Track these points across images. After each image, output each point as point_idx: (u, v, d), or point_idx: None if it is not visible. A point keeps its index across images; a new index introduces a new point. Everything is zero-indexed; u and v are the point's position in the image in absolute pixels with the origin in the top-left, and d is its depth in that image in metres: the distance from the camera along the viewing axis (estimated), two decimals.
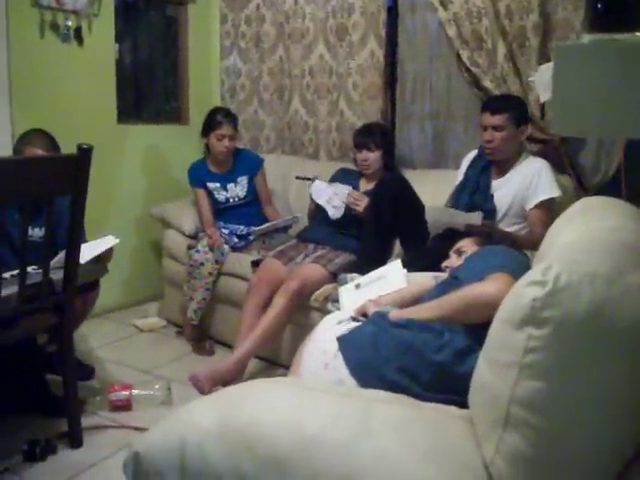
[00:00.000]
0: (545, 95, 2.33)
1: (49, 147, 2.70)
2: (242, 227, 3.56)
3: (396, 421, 1.27)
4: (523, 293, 1.09)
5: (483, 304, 1.67)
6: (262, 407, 1.32)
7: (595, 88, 1.03)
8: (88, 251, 2.49)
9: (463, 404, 1.38)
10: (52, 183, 2.20)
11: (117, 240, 2.67)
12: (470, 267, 1.96)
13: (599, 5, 1.03)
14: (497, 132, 2.85)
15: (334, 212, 3.22)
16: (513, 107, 2.88)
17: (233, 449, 1.24)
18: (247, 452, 1.23)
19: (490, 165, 2.97)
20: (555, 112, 1.12)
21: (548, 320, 1.04)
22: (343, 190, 3.23)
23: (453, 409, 1.39)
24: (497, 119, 2.84)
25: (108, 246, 2.62)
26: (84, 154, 2.22)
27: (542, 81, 2.11)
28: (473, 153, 3.12)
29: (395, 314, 1.90)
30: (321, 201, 3.25)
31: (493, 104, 2.92)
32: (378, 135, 3.32)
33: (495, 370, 1.16)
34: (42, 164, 2.28)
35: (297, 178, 3.58)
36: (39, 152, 2.66)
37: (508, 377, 1.10)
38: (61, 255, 2.35)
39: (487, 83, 3.28)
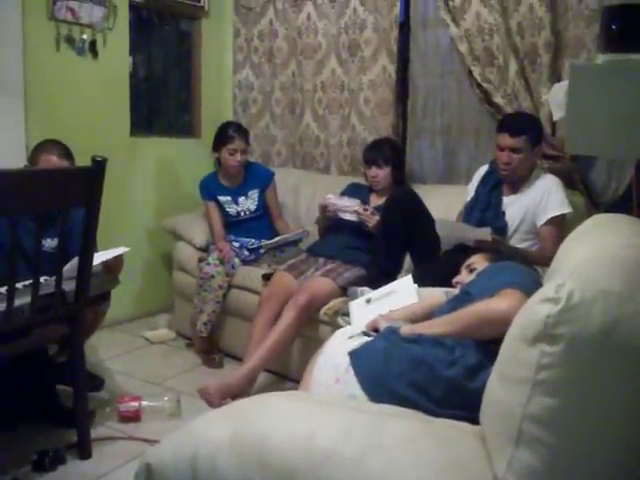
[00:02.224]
0: (558, 113, 2.33)
1: (63, 155, 2.72)
2: (253, 240, 3.57)
3: (407, 436, 1.27)
4: (536, 310, 1.09)
5: (495, 320, 1.67)
6: (274, 421, 1.32)
7: (608, 108, 1.04)
8: (98, 258, 2.50)
9: (474, 420, 1.38)
10: (66, 195, 2.22)
11: (127, 249, 2.68)
12: (482, 283, 1.96)
13: (613, 26, 1.04)
14: (515, 154, 2.83)
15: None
16: (531, 128, 2.86)
17: (245, 462, 1.24)
18: (259, 465, 1.23)
19: (501, 182, 2.97)
20: (568, 131, 1.12)
21: (561, 337, 1.04)
22: (351, 205, 3.22)
23: (464, 425, 1.39)
24: (516, 142, 2.82)
25: (117, 253, 2.63)
26: (98, 166, 2.24)
27: (555, 100, 2.12)
28: (484, 168, 3.12)
29: (406, 329, 1.90)
30: (347, 216, 3.24)
31: (512, 126, 2.86)
32: (387, 151, 3.33)
33: (508, 386, 1.17)
34: (56, 176, 2.30)
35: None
36: (54, 158, 2.68)
37: (521, 393, 1.10)
38: (73, 262, 2.36)
39: (498, 99, 3.29)
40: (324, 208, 3.31)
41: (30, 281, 2.15)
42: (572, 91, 1.04)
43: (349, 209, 3.21)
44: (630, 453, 1.10)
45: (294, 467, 1.21)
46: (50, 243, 2.69)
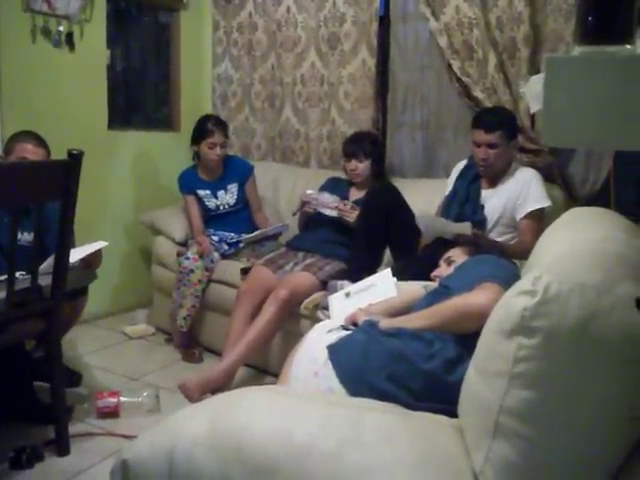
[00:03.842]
0: (535, 106, 2.34)
1: (38, 144, 2.70)
2: (232, 234, 3.56)
3: (385, 430, 1.27)
4: (513, 303, 1.09)
5: (473, 314, 1.67)
6: (252, 415, 1.31)
7: (585, 100, 1.04)
8: (76, 253, 2.48)
9: (453, 413, 1.38)
10: (42, 188, 2.19)
11: (106, 243, 2.66)
12: (460, 277, 1.97)
13: (590, 17, 1.04)
14: (491, 149, 2.84)
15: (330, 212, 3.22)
16: (506, 123, 2.87)
17: (222, 457, 1.23)
18: (236, 460, 1.22)
19: (480, 176, 2.98)
20: (545, 123, 1.12)
21: (538, 330, 1.05)
22: (331, 201, 3.22)
23: (443, 418, 1.39)
24: (491, 137, 2.82)
25: (96, 248, 2.60)
26: (74, 159, 2.21)
27: (532, 92, 2.12)
28: (462, 163, 3.12)
29: (385, 323, 1.90)
30: (327, 211, 3.23)
31: (486, 122, 2.86)
32: (367, 144, 3.33)
33: (485, 379, 1.17)
34: (32, 169, 2.27)
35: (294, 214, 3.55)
36: (29, 147, 2.67)
37: (498, 386, 1.10)
38: (49, 261, 2.34)
39: (478, 93, 3.30)
40: (304, 204, 3.30)
41: (5, 276, 2.12)
42: (548, 83, 1.04)
43: (329, 205, 3.20)
44: (607, 446, 1.11)
45: (273, 462, 1.21)
46: (26, 237, 2.66)
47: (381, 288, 2.41)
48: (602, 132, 1.04)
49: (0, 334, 2.17)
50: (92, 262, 2.66)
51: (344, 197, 3.30)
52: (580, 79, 1.03)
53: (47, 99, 3.47)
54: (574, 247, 1.32)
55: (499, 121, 2.86)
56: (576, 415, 1.06)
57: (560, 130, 1.07)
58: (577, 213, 1.68)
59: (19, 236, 2.37)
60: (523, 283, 1.10)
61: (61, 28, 3.47)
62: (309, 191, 3.34)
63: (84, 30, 3.59)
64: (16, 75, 3.29)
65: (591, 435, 1.08)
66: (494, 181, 2.94)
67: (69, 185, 2.22)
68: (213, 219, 3.65)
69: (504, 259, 2.11)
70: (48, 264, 2.34)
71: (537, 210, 2.81)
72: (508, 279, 1.71)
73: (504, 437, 1.10)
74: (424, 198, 3.21)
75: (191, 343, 3.43)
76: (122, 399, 2.69)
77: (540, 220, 2.78)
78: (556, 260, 1.24)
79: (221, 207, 3.66)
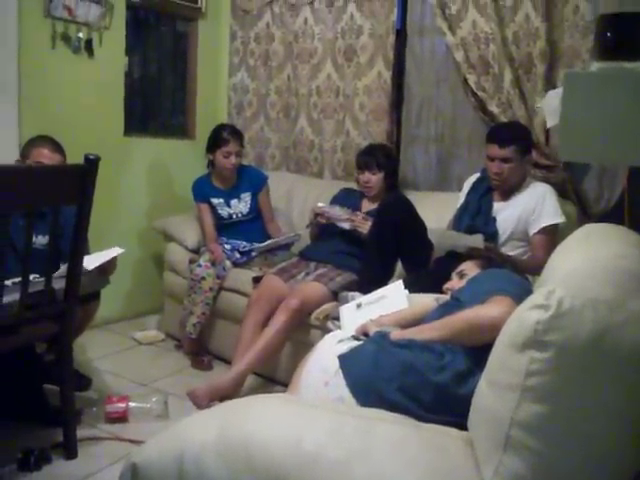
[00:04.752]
0: (552, 121, 2.35)
1: (55, 149, 2.73)
2: (244, 243, 3.57)
3: (395, 441, 1.27)
4: (526, 316, 1.09)
5: (485, 326, 1.67)
6: (261, 422, 1.32)
7: (602, 115, 1.04)
8: (93, 260, 2.50)
9: (463, 426, 1.38)
10: (58, 192, 2.21)
11: (122, 250, 2.67)
12: (472, 289, 1.97)
13: (609, 34, 1.04)
14: (505, 164, 2.84)
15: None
16: (520, 138, 2.87)
17: (231, 463, 1.24)
18: (245, 467, 1.23)
19: (493, 189, 2.98)
20: (562, 137, 1.12)
21: (550, 343, 1.05)
22: (342, 214, 3.22)
23: (453, 430, 1.39)
24: (505, 152, 2.82)
25: (113, 255, 2.62)
26: (91, 164, 2.23)
27: (549, 107, 2.13)
28: (475, 176, 3.12)
29: (396, 334, 1.90)
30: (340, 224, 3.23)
31: (501, 136, 2.86)
32: (381, 156, 3.33)
33: (496, 392, 1.17)
34: (49, 173, 2.29)
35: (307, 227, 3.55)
36: (45, 151, 2.69)
37: (509, 399, 1.10)
38: (64, 268, 2.36)
39: (493, 108, 3.30)
40: (317, 215, 3.30)
41: (20, 278, 2.14)
42: (566, 98, 1.04)
43: (341, 217, 3.20)
44: (618, 461, 1.10)
45: (281, 469, 1.21)
46: (41, 240, 2.68)
47: (392, 300, 2.41)
48: (619, 147, 1.05)
49: (12, 336, 2.18)
50: (107, 268, 2.67)
51: (356, 208, 3.30)
52: (598, 94, 1.03)
53: (65, 104, 3.50)
54: (587, 263, 1.32)
55: (513, 136, 2.86)
56: (587, 430, 1.06)
57: (577, 144, 1.07)
58: (591, 229, 1.68)
59: (33, 239, 2.38)
60: (536, 297, 1.10)
61: (81, 35, 3.51)
62: (320, 204, 3.34)
63: (103, 37, 3.63)
64: (35, 80, 3.32)
65: (602, 450, 1.08)
66: (507, 194, 2.93)
67: (85, 190, 2.23)
68: (226, 227, 3.66)
69: (516, 274, 2.10)
70: (62, 271, 2.35)
71: (551, 226, 2.80)
72: (520, 293, 1.70)
73: (514, 450, 1.10)
74: (437, 211, 3.21)
75: (201, 350, 3.43)
76: (131, 404, 2.69)
77: (553, 236, 2.77)
78: (569, 275, 1.24)
79: (234, 216, 3.67)
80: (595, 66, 1.05)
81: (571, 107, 1.04)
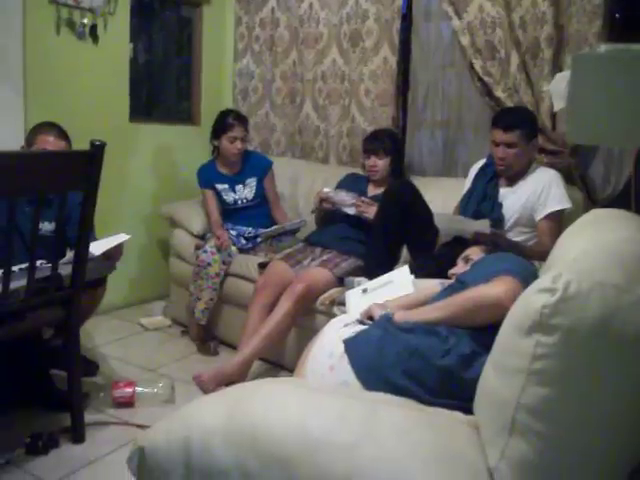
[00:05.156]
0: (559, 104, 2.34)
1: (60, 136, 2.73)
2: (250, 229, 3.57)
3: (400, 425, 1.27)
4: (532, 300, 1.09)
5: (488, 305, 1.67)
6: (268, 406, 1.32)
7: (610, 97, 1.03)
8: (99, 246, 2.50)
9: (468, 409, 1.38)
10: (64, 178, 2.21)
11: (128, 236, 2.67)
12: (477, 271, 1.96)
13: (617, 16, 1.03)
14: (510, 149, 2.83)
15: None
16: (525, 123, 2.86)
17: (238, 446, 1.24)
18: (252, 450, 1.23)
19: (498, 174, 2.97)
20: (570, 120, 1.12)
21: (557, 327, 1.05)
22: (348, 199, 3.21)
23: (458, 414, 1.39)
24: (510, 137, 2.82)
25: (120, 241, 2.63)
26: (97, 150, 2.23)
27: (557, 90, 2.12)
28: (481, 162, 3.11)
29: (401, 315, 1.90)
30: (346, 209, 3.22)
31: (505, 121, 2.85)
32: (387, 141, 3.32)
33: (502, 376, 1.17)
34: (55, 159, 2.29)
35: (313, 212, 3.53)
36: (51, 139, 2.69)
37: (515, 383, 1.10)
38: (70, 254, 2.36)
39: (499, 93, 3.28)
40: (322, 201, 3.30)
41: (26, 264, 2.14)
42: (574, 81, 1.03)
43: (347, 202, 3.20)
44: (624, 444, 1.10)
45: (288, 453, 1.21)
46: (47, 227, 2.69)
47: (398, 285, 2.41)
48: (627, 129, 1.04)
49: (20, 321, 2.20)
50: (113, 254, 2.67)
51: (362, 193, 3.29)
52: (606, 76, 1.02)
53: (70, 90, 3.49)
54: (594, 247, 1.32)
55: (518, 120, 2.85)
56: (593, 413, 1.06)
57: (584, 127, 1.07)
58: (597, 214, 1.68)
59: (40, 225, 2.39)
60: (543, 281, 1.10)
61: (85, 20, 3.50)
62: (326, 189, 3.33)
63: (108, 23, 3.62)
64: (40, 66, 3.32)
65: (608, 433, 1.08)
66: (513, 180, 2.92)
67: (91, 175, 2.23)
68: (231, 213, 3.67)
69: (522, 258, 2.10)
70: (69, 257, 2.36)
71: (557, 211, 2.79)
72: (526, 275, 1.70)
73: (520, 434, 1.10)
74: (443, 196, 3.20)
75: (207, 336, 3.45)
76: (138, 389, 2.71)
77: (560, 221, 2.77)
78: (576, 259, 1.24)
79: (239, 201, 3.67)
80: (603, 48, 1.04)
81: (579, 89, 1.04)
